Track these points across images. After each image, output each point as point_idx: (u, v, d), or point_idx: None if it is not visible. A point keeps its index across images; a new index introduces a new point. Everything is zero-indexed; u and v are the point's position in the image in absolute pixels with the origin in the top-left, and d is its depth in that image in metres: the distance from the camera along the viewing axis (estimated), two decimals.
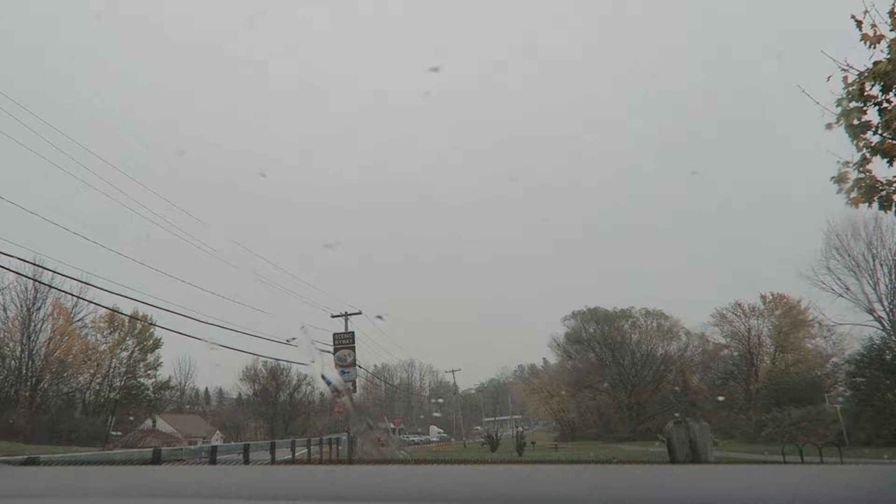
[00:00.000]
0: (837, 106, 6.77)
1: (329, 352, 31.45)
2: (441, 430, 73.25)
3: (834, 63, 6.77)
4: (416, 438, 63.31)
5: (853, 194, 6.83)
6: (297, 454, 22.28)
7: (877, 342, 30.85)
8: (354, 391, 33.50)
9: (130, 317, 42.13)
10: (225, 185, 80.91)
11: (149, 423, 48.06)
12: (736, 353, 47.11)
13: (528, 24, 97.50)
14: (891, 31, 6.55)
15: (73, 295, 36.85)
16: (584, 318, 59.57)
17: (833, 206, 33.59)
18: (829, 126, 6.80)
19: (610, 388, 53.91)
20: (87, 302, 36.17)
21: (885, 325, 33.86)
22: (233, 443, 40.00)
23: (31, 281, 35.18)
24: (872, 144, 6.69)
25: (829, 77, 6.72)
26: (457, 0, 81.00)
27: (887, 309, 34.24)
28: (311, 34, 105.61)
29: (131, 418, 44.33)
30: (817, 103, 6.87)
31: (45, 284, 35.37)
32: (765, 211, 64.62)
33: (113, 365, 45.78)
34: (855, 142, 6.76)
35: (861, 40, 6.61)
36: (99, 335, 46.23)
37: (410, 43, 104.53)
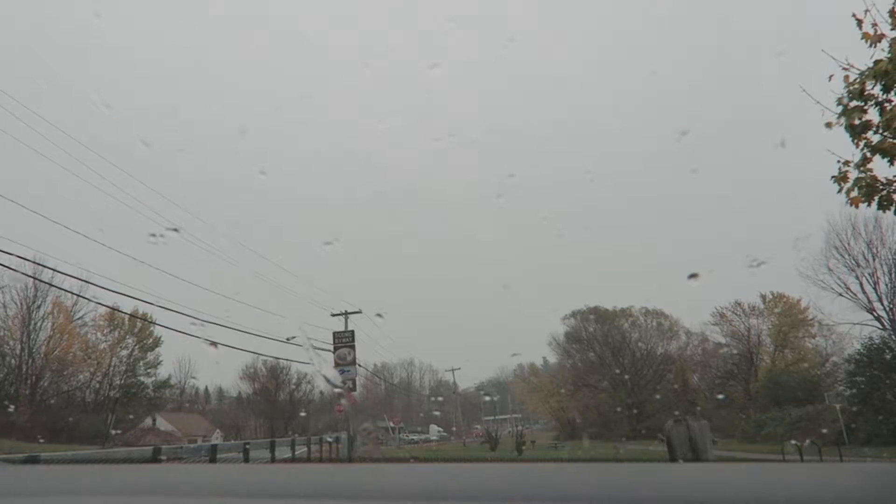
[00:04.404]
0: (838, 105, 6.76)
1: (329, 350, 31.55)
2: (441, 429, 73.26)
3: (835, 62, 6.77)
4: (415, 437, 63.37)
5: (853, 194, 6.82)
6: (296, 453, 22.30)
7: (876, 341, 30.89)
8: (354, 389, 33.52)
9: (130, 315, 42.13)
10: (224, 183, 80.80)
11: (149, 421, 48.16)
12: (735, 353, 47.11)
13: (528, 24, 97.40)
14: (891, 30, 6.54)
15: (73, 293, 36.90)
16: (583, 316, 59.46)
17: (833, 205, 33.64)
18: (828, 125, 6.79)
19: (610, 387, 53.88)
20: (87, 300, 36.20)
21: (885, 324, 33.86)
22: (233, 441, 40.02)
23: (32, 279, 35.19)
24: (873, 144, 6.69)
25: (831, 76, 6.72)
26: None
27: (887, 308, 34.26)
28: (310, 34, 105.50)
29: (131, 417, 44.38)
30: (817, 102, 6.86)
31: (45, 283, 35.43)
32: (765, 210, 64.52)
33: (113, 363, 45.78)
34: (855, 141, 6.76)
35: (862, 39, 6.61)
36: (99, 333, 46.29)
37: (410, 41, 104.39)
